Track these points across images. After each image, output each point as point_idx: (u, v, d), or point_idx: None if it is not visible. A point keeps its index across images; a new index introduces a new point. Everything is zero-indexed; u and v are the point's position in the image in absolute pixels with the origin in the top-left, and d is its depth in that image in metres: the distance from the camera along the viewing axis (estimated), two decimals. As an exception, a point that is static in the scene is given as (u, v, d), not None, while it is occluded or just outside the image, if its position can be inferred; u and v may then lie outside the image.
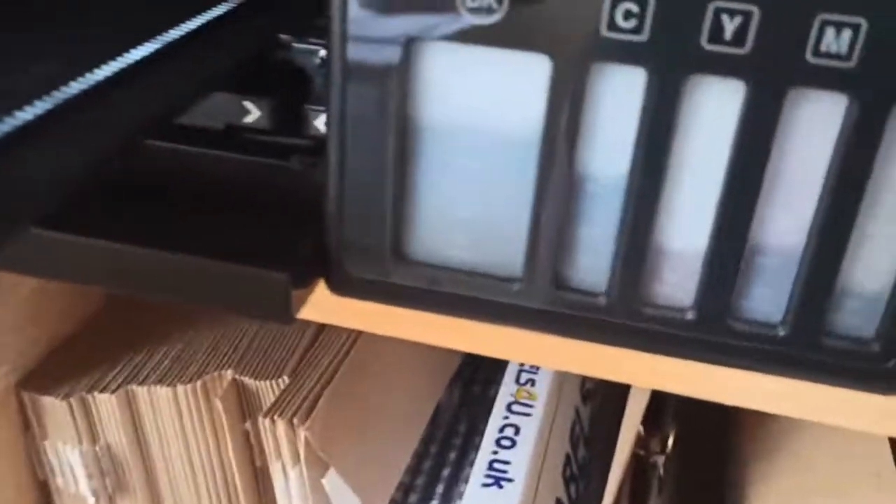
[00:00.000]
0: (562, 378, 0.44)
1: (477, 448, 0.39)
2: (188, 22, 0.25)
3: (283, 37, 0.26)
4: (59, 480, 0.37)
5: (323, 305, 0.25)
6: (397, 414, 0.41)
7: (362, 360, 0.38)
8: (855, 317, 0.21)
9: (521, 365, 0.44)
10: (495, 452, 0.39)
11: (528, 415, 0.41)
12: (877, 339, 0.21)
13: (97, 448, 0.36)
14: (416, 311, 0.24)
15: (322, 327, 0.39)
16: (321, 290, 0.24)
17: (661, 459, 0.36)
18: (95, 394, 0.35)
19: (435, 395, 0.45)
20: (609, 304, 0.22)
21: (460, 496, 0.37)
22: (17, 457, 0.36)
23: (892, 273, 0.20)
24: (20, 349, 0.35)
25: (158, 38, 0.24)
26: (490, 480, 0.37)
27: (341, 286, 0.23)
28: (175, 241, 0.22)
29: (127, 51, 0.22)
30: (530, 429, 0.40)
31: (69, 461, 0.36)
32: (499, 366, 0.45)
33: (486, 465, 0.38)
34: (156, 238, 0.22)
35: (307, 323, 0.38)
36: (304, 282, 0.23)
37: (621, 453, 0.32)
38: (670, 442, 0.36)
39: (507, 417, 0.41)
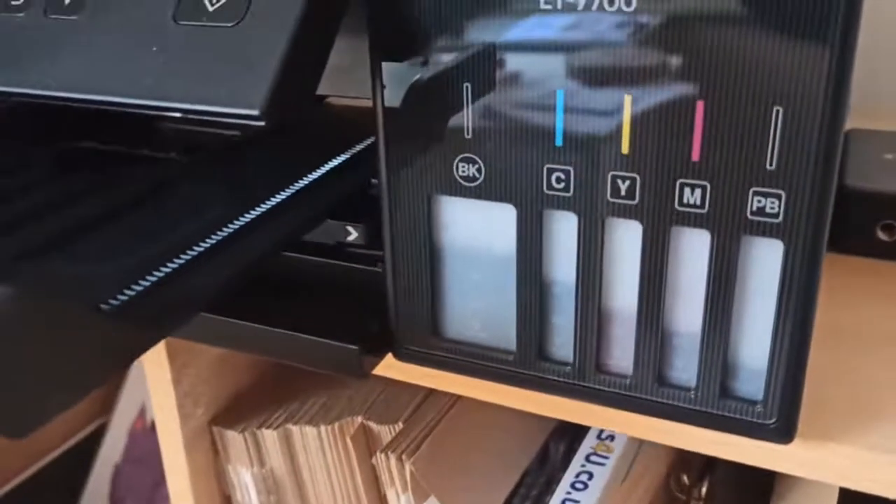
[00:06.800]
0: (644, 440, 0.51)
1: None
2: (314, 172, 0.37)
3: (374, 180, 0.37)
4: (238, 495, 0.50)
5: (397, 367, 0.35)
6: (494, 458, 0.50)
7: (462, 414, 0.48)
8: (746, 385, 0.29)
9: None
10: (569, 493, 0.47)
11: (602, 464, 0.49)
12: (763, 402, 0.28)
13: (264, 471, 0.48)
14: (451, 373, 0.34)
15: (431, 390, 0.49)
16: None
17: (700, 505, 0.43)
18: (263, 430, 0.48)
19: (532, 447, 0.53)
20: (574, 371, 0.31)
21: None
22: (210, 476, 0.50)
23: (766, 355, 0.28)
24: (212, 396, 0.49)
25: (291, 186, 0.36)
26: (561, 516, 0.46)
27: (401, 355, 0.34)
28: (291, 323, 0.34)
29: (269, 198, 0.35)
30: (602, 475, 0.48)
31: (244, 481, 0.49)
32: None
33: (559, 502, 0.47)
34: (278, 320, 0.34)
35: (419, 388, 0.49)
36: (373, 351, 0.33)
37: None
38: (703, 490, 0.43)
39: (583, 465, 0.49)
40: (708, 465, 0.44)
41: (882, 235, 0.42)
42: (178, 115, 0.25)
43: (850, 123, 0.50)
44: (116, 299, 0.26)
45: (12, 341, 0.22)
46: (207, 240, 0.31)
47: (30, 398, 0.22)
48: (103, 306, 0.26)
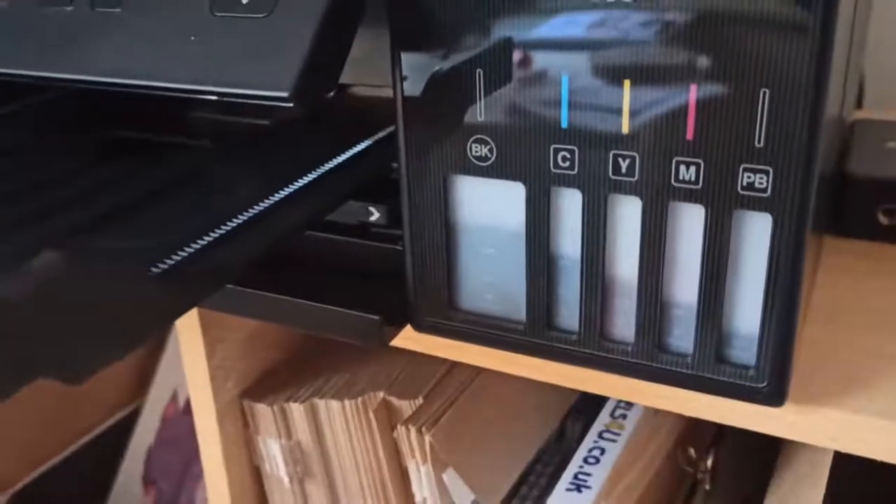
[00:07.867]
0: (655, 418, 0.53)
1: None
2: (338, 157, 0.40)
3: (395, 164, 0.40)
4: (267, 466, 0.52)
5: (415, 339, 0.37)
6: (511, 434, 0.53)
7: (480, 391, 0.51)
8: (740, 352, 0.31)
9: (619, 402, 0.54)
10: (581, 466, 0.49)
11: (614, 441, 0.51)
12: (755, 367, 0.30)
13: (291, 443, 0.51)
14: (467, 343, 0.36)
15: (451, 367, 0.52)
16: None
17: (706, 476, 0.45)
18: (290, 403, 0.50)
19: (549, 425, 0.56)
20: (579, 339, 0.33)
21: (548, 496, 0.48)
22: (241, 447, 0.52)
23: (757, 324, 0.30)
24: (243, 371, 0.51)
25: (318, 168, 0.38)
26: (573, 487, 0.48)
27: (419, 326, 0.36)
28: (318, 295, 0.36)
29: (296, 179, 0.37)
30: (614, 451, 0.50)
31: (272, 452, 0.51)
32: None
33: (572, 475, 0.49)
34: (305, 293, 0.36)
35: (440, 365, 0.51)
36: (393, 322, 0.36)
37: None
38: (709, 462, 0.45)
39: (596, 441, 0.51)
40: (714, 440, 0.46)
41: (883, 219, 0.44)
42: (213, 97, 0.28)
43: (855, 115, 0.51)
44: (157, 267, 0.29)
45: (72, 301, 0.24)
46: (239, 217, 0.34)
47: (86, 351, 0.25)
48: (150, 271, 0.28)
